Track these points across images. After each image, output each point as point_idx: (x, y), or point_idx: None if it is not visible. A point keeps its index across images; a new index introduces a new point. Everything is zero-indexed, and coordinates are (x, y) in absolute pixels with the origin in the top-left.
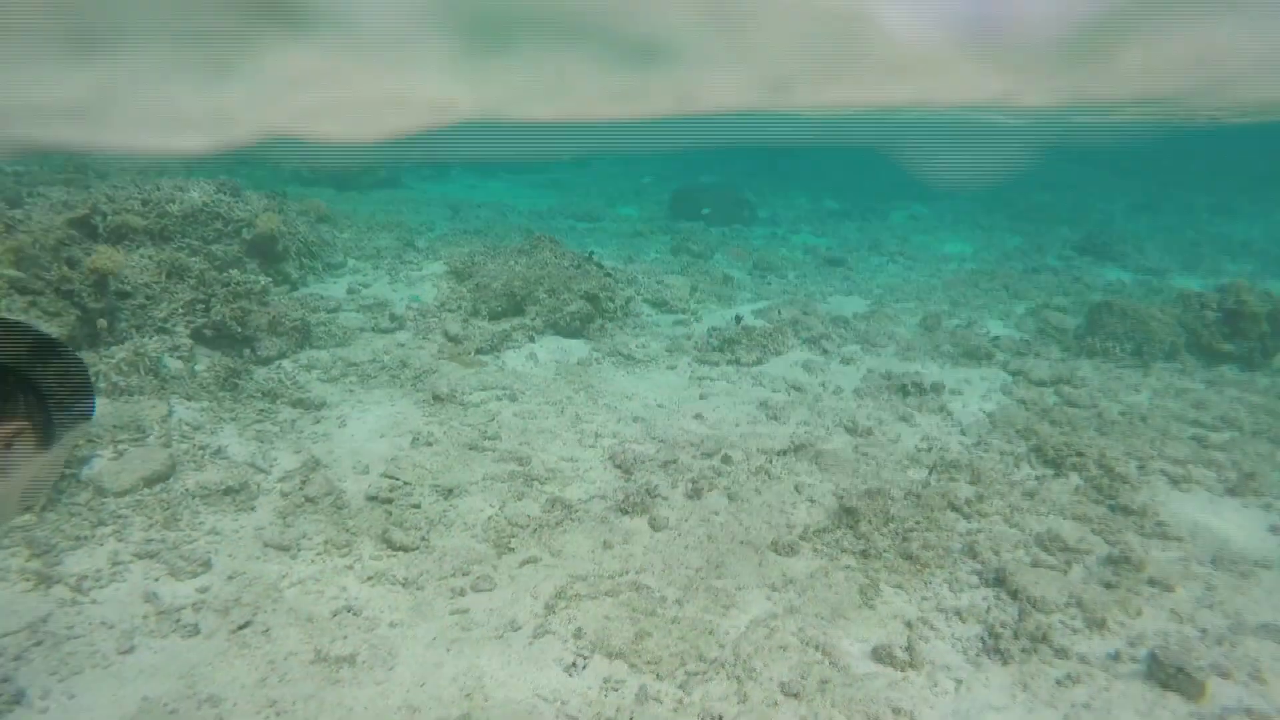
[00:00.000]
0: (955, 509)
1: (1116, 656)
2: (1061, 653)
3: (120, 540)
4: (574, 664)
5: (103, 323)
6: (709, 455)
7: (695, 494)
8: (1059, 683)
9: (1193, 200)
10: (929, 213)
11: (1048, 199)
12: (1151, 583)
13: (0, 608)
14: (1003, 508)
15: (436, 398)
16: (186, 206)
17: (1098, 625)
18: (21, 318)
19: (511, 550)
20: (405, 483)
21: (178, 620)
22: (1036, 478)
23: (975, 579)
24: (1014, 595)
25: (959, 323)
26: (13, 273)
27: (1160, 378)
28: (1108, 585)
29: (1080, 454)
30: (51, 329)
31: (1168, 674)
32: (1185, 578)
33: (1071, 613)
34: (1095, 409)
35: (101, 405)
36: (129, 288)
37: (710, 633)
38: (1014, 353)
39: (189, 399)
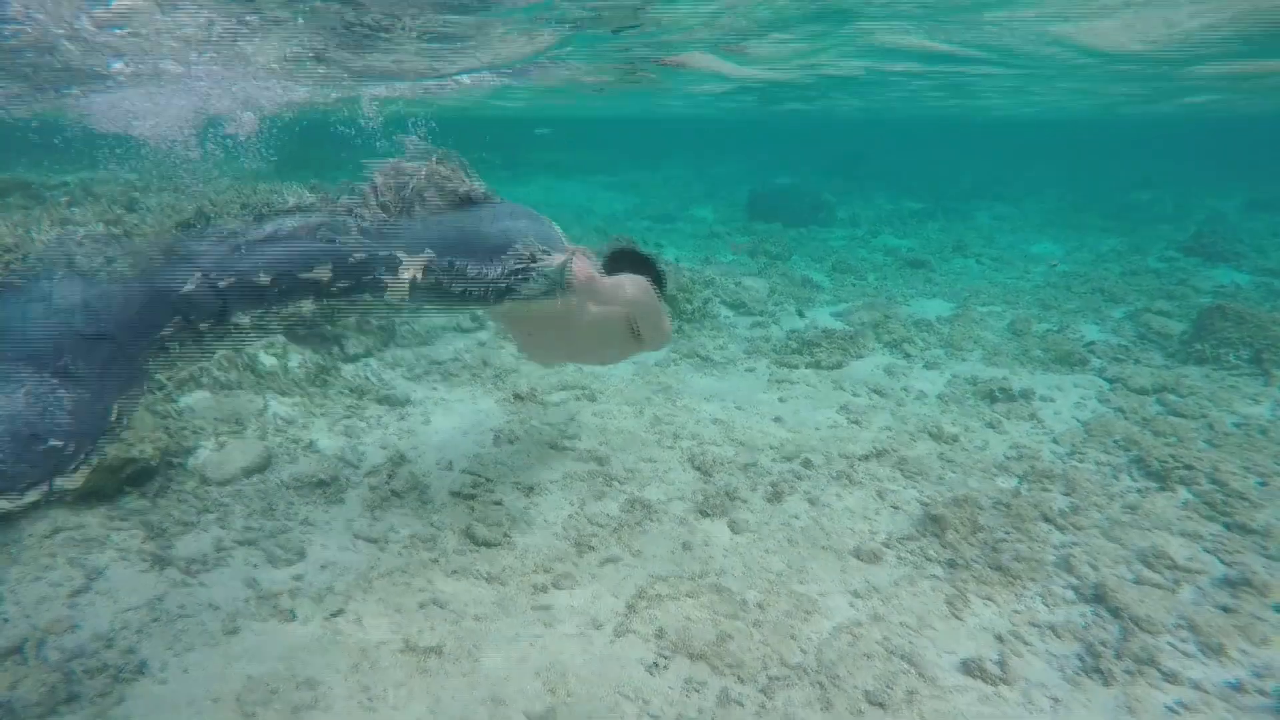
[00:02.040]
0: (1048, 520)
1: (1239, 687)
2: (1172, 677)
3: (223, 527)
4: (655, 664)
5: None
6: (789, 459)
7: (775, 497)
8: (1170, 710)
9: None
10: (1015, 212)
11: (1147, 197)
12: None
13: (124, 585)
14: (1101, 521)
15: (517, 396)
16: (280, 209)
17: (1215, 651)
18: None
19: (592, 549)
20: (487, 479)
21: (276, 605)
22: (1138, 490)
23: (1071, 594)
24: (1115, 613)
25: (1050, 327)
26: None
27: None
28: (1225, 609)
29: (1189, 467)
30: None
31: None
32: None
33: (1183, 635)
34: (1205, 419)
35: (204, 399)
36: None
37: (793, 638)
38: (1111, 359)
39: (283, 394)
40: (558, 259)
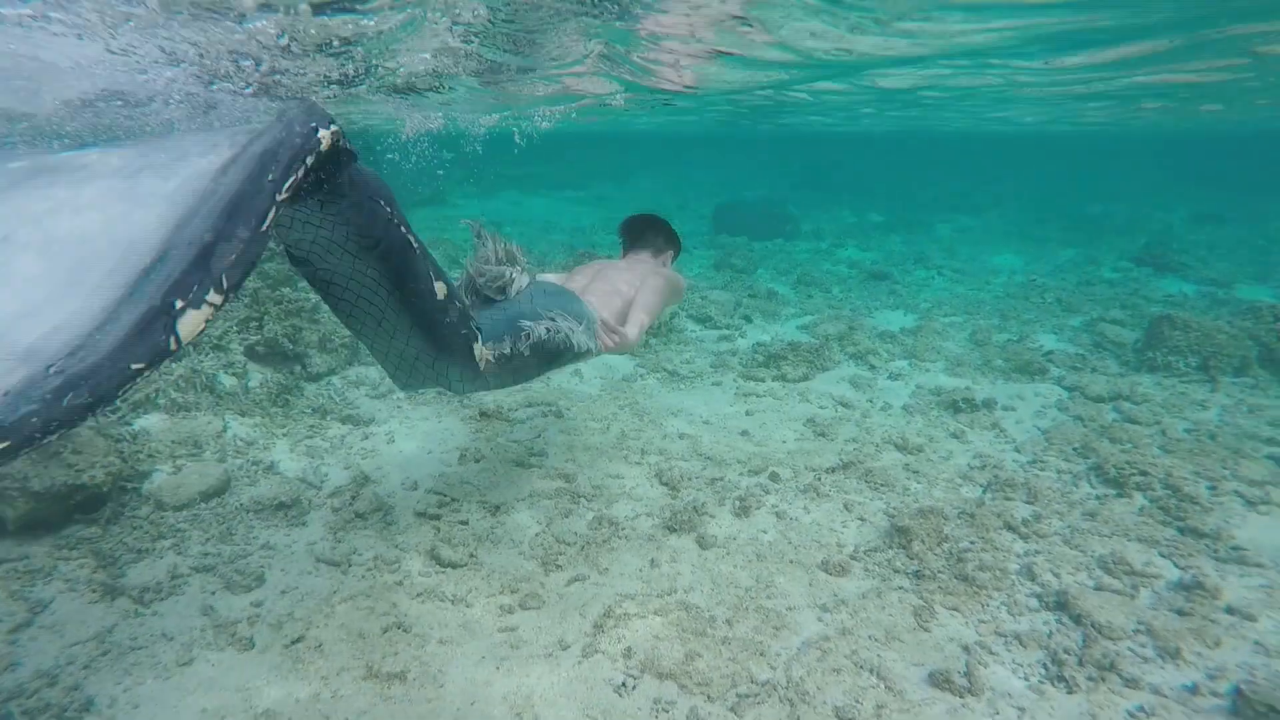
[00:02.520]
0: (1012, 529)
1: (1195, 689)
2: (1132, 683)
3: (179, 554)
4: (624, 684)
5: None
6: (756, 472)
7: (743, 512)
8: (1132, 715)
9: (1265, 208)
10: (976, 225)
11: (1102, 210)
12: (1231, 611)
13: (71, 617)
14: (1062, 528)
15: (483, 414)
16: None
17: (1171, 655)
18: None
19: (559, 568)
20: (453, 499)
21: (233, 634)
22: (1097, 497)
23: (1035, 602)
24: (1077, 620)
25: (1010, 337)
26: None
27: (1230, 394)
28: (1180, 613)
29: (1145, 473)
30: None
31: (1256, 712)
32: (1269, 606)
33: (1142, 640)
34: (1159, 426)
35: (160, 421)
36: None
37: (761, 654)
38: (1069, 367)
39: (243, 415)
40: (584, 339)
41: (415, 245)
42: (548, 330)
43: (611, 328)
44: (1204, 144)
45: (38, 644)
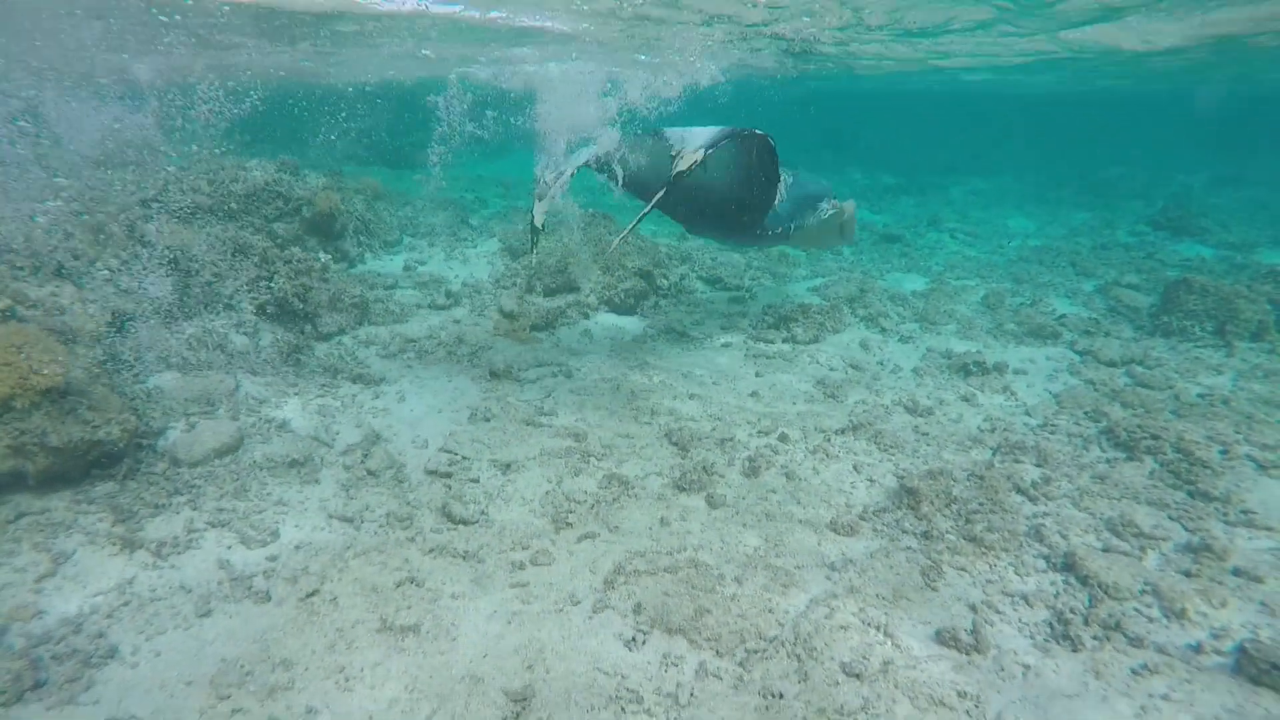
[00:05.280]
0: (1021, 491)
1: (1199, 648)
2: (1137, 641)
3: (194, 509)
4: (634, 639)
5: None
6: (766, 433)
7: (752, 472)
8: (1135, 672)
9: None
10: (990, 187)
11: (1119, 173)
12: (1238, 573)
13: (93, 569)
14: (1071, 491)
15: (493, 374)
16: (249, 186)
17: (1177, 615)
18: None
19: (570, 525)
20: (464, 457)
21: (250, 587)
22: (1107, 461)
23: (1042, 563)
24: (1084, 581)
25: (1023, 300)
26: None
27: (1246, 359)
28: (1187, 574)
29: (1155, 437)
30: (127, 305)
31: (1260, 669)
32: (1277, 568)
33: (1147, 601)
34: (1171, 390)
35: (173, 379)
36: (197, 265)
37: (769, 611)
38: (1082, 332)
39: (254, 374)
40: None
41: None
42: None
43: None
44: (1224, 105)
45: (62, 594)
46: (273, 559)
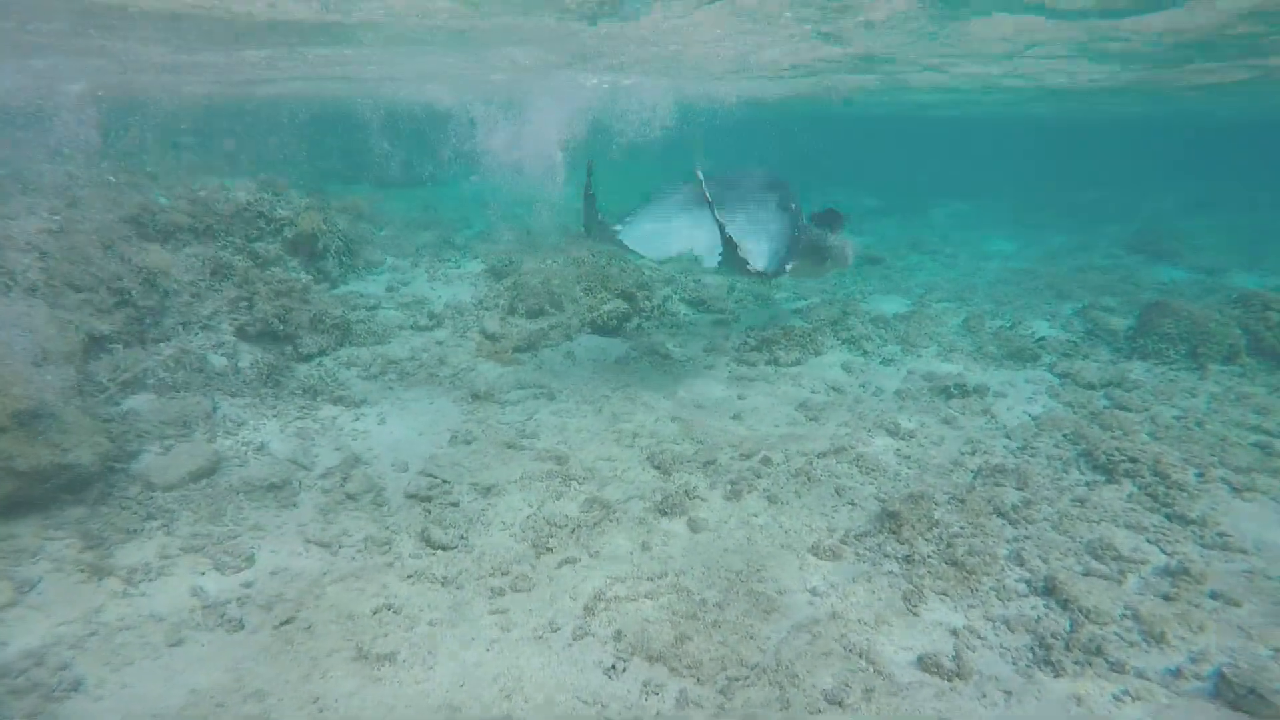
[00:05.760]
0: (1001, 515)
1: (1178, 673)
2: (1118, 667)
3: (168, 534)
4: (614, 667)
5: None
6: (748, 456)
7: (734, 495)
8: (1116, 699)
9: (1256, 197)
10: (971, 210)
11: (1096, 196)
12: (1215, 596)
13: (58, 596)
14: (1051, 514)
15: (475, 396)
16: (231, 205)
17: (1156, 639)
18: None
19: (550, 550)
20: (444, 481)
21: (223, 615)
22: (1086, 484)
23: (1024, 587)
24: (1065, 605)
25: (1003, 323)
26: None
27: (1219, 382)
28: (1166, 598)
29: (1134, 460)
30: (103, 326)
31: (1238, 694)
32: (1252, 592)
33: (1127, 625)
34: (1148, 413)
35: (148, 401)
36: (176, 285)
37: (751, 637)
38: (1061, 354)
39: (233, 395)
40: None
41: None
42: None
43: None
44: (1198, 133)
45: (25, 624)
46: (247, 585)
